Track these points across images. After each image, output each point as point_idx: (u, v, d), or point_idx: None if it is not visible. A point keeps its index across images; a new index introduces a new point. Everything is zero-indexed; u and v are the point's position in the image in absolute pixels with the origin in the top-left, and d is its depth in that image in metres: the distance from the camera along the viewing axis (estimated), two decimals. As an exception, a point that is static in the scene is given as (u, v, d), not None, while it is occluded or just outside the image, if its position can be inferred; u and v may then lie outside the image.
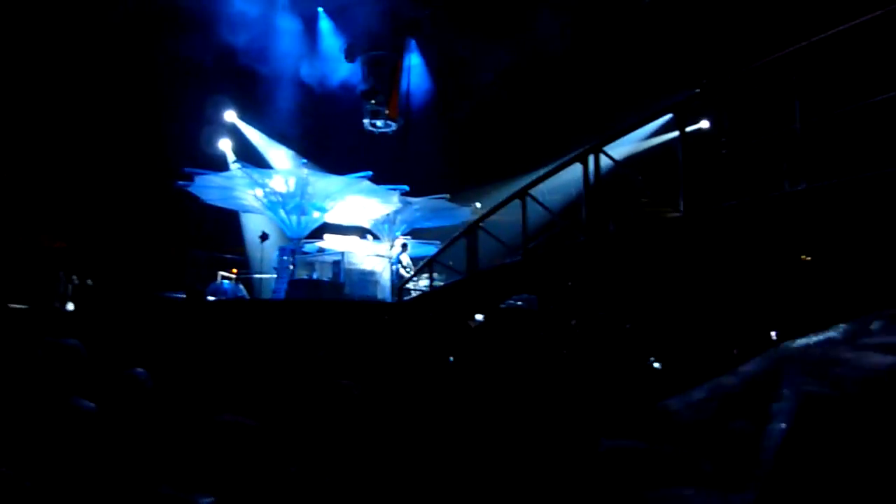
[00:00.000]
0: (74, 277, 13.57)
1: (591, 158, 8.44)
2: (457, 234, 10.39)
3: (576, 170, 9.33)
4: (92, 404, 2.61)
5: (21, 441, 2.37)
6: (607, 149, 8.52)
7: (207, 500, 2.40)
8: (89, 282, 14.06)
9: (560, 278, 8.56)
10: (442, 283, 12.34)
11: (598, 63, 16.74)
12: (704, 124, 17.85)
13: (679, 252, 7.55)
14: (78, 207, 17.55)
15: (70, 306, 12.85)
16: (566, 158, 9.55)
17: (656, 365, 5.09)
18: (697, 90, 9.57)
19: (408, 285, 14.62)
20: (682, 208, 6.95)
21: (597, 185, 8.30)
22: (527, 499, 2.42)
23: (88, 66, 16.09)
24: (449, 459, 2.71)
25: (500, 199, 19.80)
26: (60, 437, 2.41)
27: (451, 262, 15.39)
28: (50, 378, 2.61)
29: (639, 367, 4.79)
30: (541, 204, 9.77)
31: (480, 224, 10.50)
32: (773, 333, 5.80)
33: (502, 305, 4.81)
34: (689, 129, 17.77)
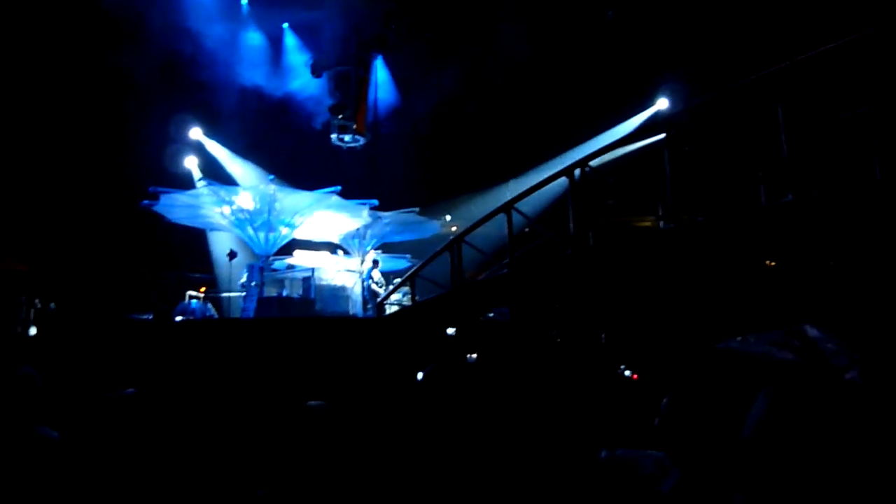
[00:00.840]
0: (37, 301, 13.24)
1: (577, 172, 8.52)
2: (440, 247, 10.39)
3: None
4: (55, 433, 2.58)
5: None
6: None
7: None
8: (52, 305, 13.73)
9: (548, 290, 8.64)
10: (415, 298, 12.32)
11: (562, 74, 17.00)
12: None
13: (661, 263, 7.67)
14: (40, 229, 17.16)
15: (32, 331, 12.53)
16: (551, 174, 9.68)
17: (627, 373, 5.18)
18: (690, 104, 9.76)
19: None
20: (661, 222, 7.06)
21: (583, 197, 8.38)
22: None
23: (49, 85, 15.81)
24: (432, 474, 2.71)
25: (470, 211, 20.06)
26: (25, 466, 2.38)
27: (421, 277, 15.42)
28: (10, 408, 2.53)
29: (612, 376, 4.85)
30: (527, 217, 9.84)
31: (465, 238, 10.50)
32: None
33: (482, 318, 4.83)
34: (654, 138, 18.22)
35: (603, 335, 5.35)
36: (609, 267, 7.91)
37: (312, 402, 3.02)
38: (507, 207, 9.51)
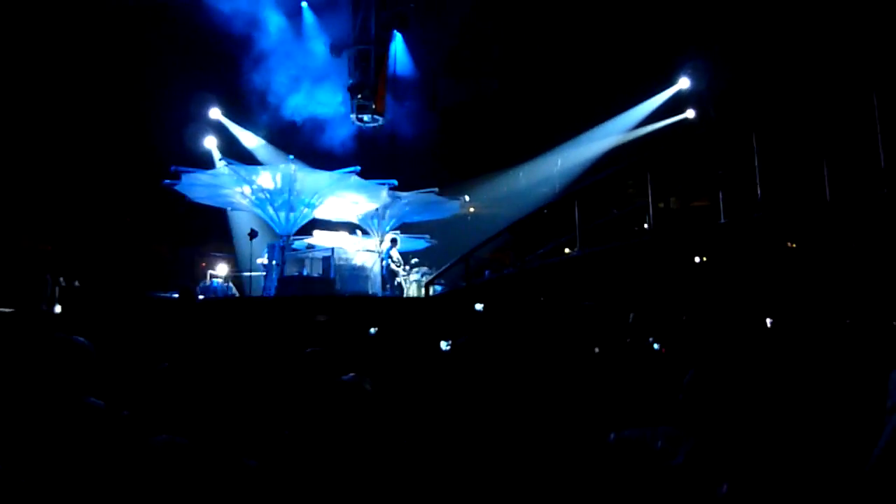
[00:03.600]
0: (61, 279, 13.41)
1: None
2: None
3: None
4: (101, 402, 2.61)
5: (25, 438, 2.35)
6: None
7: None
8: (76, 283, 13.90)
9: (619, 275, 8.63)
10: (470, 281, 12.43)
11: (585, 52, 16.81)
12: (690, 114, 18.03)
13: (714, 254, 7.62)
14: (63, 209, 17.37)
15: (57, 309, 12.71)
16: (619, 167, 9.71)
17: (655, 346, 5.20)
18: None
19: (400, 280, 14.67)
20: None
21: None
22: (536, 491, 2.44)
23: (73, 67, 15.90)
24: (459, 451, 2.69)
25: (490, 191, 20.00)
26: (72, 434, 2.41)
27: (424, 260, 15.49)
28: (61, 376, 2.55)
29: (640, 350, 4.84)
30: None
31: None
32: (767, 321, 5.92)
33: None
34: (675, 118, 18.03)
35: (632, 314, 5.36)
36: (670, 254, 7.87)
37: (346, 377, 2.99)
38: (574, 197, 9.62)
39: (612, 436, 2.58)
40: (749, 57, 14.68)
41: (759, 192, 6.39)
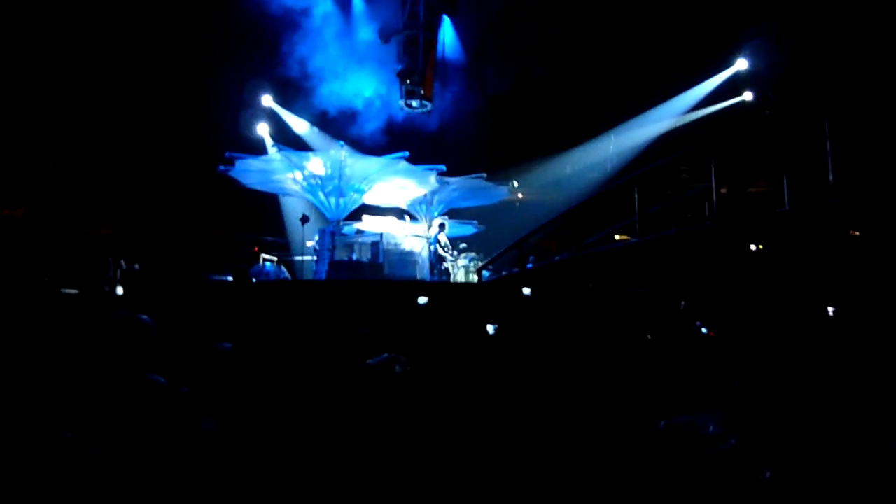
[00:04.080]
0: (122, 262, 13.86)
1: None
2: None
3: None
4: (163, 379, 2.68)
5: (92, 411, 2.42)
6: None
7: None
8: (136, 266, 14.34)
9: (674, 262, 8.50)
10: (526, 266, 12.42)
11: (636, 33, 16.43)
12: (748, 97, 17.46)
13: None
14: (124, 195, 17.97)
15: (119, 290, 13.16)
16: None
17: (703, 330, 5.12)
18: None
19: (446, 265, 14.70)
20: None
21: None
22: (588, 477, 2.43)
23: (134, 54, 16.36)
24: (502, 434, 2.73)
25: (538, 177, 19.80)
26: (135, 409, 2.47)
27: (471, 246, 15.48)
28: (124, 352, 2.64)
29: (688, 335, 4.75)
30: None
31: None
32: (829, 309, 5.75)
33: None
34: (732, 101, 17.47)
35: (682, 302, 5.26)
36: (730, 241, 7.70)
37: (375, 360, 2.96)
38: (634, 183, 9.46)
39: (661, 423, 2.59)
40: (811, 36, 14.10)
41: (830, 177, 6.15)
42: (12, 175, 17.71)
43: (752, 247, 8.49)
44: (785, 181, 6.76)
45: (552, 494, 2.25)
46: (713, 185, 7.59)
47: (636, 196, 9.01)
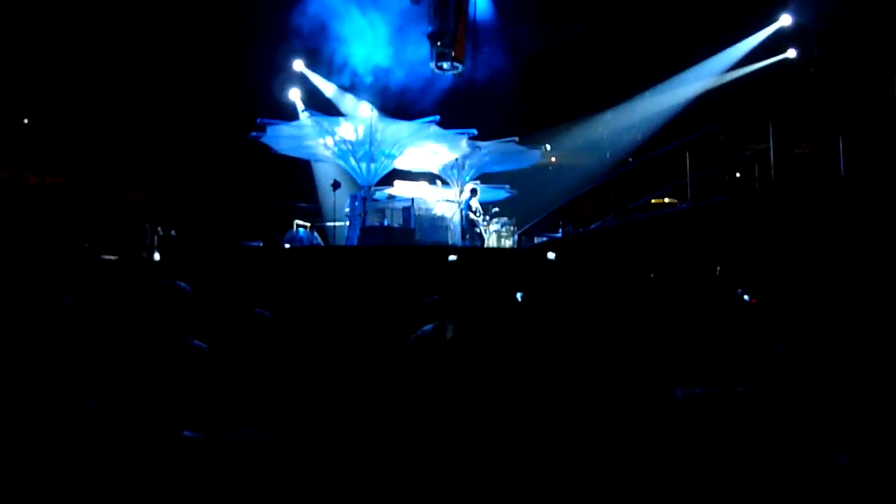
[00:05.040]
0: (159, 229, 14.09)
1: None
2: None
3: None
4: (204, 345, 2.71)
5: (134, 378, 2.43)
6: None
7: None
8: (173, 233, 14.58)
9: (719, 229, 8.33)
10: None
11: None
12: (791, 54, 16.78)
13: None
14: (160, 162, 18.22)
15: (157, 256, 13.42)
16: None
17: (745, 297, 4.99)
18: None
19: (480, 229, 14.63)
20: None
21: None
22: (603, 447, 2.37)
23: (167, 22, 16.41)
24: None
25: (571, 141, 19.46)
26: (175, 374, 2.50)
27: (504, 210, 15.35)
28: (165, 318, 2.68)
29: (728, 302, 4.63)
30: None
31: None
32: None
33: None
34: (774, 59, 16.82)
35: (718, 267, 5.15)
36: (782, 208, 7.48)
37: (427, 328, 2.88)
38: (685, 147, 9.22)
39: (678, 393, 2.49)
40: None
41: None
42: (53, 143, 18.10)
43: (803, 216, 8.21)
44: (841, 145, 6.50)
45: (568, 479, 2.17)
46: (771, 149, 7.33)
47: (687, 160, 8.80)
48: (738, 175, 13.52)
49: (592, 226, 11.75)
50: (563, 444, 2.18)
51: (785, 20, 16.47)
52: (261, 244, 12.89)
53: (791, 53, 16.74)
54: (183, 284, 2.78)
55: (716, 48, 17.20)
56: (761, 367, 2.73)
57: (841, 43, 14.17)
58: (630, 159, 18.48)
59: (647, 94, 18.39)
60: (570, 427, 2.42)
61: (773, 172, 7.32)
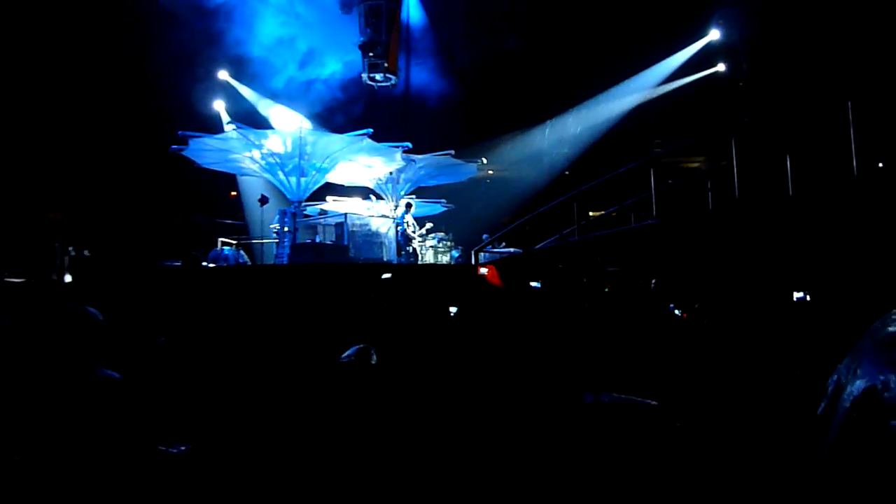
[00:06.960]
0: (71, 249, 13.17)
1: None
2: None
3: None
4: (117, 374, 2.61)
5: (39, 409, 2.34)
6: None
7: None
8: (86, 253, 13.66)
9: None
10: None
11: (609, 8, 15.96)
12: (721, 68, 17.15)
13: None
14: (72, 177, 17.06)
15: (68, 278, 12.46)
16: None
17: (676, 312, 4.84)
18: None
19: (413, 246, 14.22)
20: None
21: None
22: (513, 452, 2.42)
23: (75, 30, 15.42)
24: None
25: (508, 154, 19.36)
26: (85, 405, 2.41)
27: (440, 226, 15.09)
28: (73, 346, 2.54)
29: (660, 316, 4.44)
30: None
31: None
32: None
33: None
34: (704, 73, 17.20)
35: (654, 280, 4.93)
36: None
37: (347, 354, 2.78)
38: (650, 164, 9.49)
39: (588, 398, 2.56)
40: (784, 4, 13.76)
41: (854, 163, 5.84)
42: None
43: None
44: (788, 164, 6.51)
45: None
46: (734, 165, 7.29)
47: (651, 177, 8.90)
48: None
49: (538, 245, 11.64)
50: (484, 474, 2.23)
51: (714, 35, 16.81)
52: (180, 264, 12.11)
53: (721, 67, 17.11)
54: (93, 310, 2.65)
55: (649, 62, 17.42)
56: (680, 380, 2.82)
57: (768, 58, 14.51)
58: (567, 172, 18.49)
59: (582, 106, 18.47)
60: (489, 447, 2.43)
61: (737, 191, 7.33)
